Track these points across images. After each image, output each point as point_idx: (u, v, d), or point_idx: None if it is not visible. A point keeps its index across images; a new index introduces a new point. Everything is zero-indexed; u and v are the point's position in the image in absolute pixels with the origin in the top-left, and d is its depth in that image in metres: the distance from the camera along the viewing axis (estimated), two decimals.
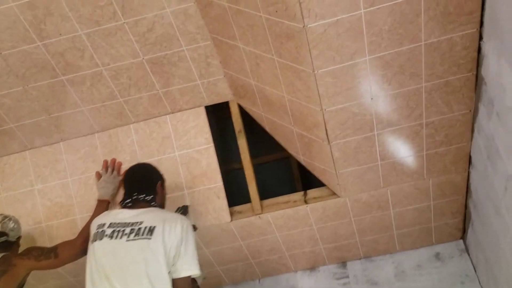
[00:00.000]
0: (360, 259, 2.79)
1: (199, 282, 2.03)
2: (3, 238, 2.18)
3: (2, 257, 2.04)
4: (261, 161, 3.12)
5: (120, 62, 2.24)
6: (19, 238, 2.31)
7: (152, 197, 2.03)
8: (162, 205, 2.11)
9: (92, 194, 2.47)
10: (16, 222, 2.31)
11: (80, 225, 2.38)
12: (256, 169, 2.80)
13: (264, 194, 2.58)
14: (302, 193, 2.48)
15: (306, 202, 2.43)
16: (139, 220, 1.88)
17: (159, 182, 2.13)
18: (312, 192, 2.47)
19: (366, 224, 2.54)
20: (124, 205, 2.01)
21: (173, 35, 2.15)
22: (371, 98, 1.93)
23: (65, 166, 2.58)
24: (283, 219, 2.50)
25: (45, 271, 2.33)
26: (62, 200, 2.57)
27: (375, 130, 2.05)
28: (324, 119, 1.99)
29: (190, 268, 1.82)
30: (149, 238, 1.78)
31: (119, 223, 1.88)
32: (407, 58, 1.80)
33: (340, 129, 2.03)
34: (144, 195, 2.01)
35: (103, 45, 2.16)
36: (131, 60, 2.23)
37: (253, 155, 2.90)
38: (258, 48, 1.97)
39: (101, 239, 1.83)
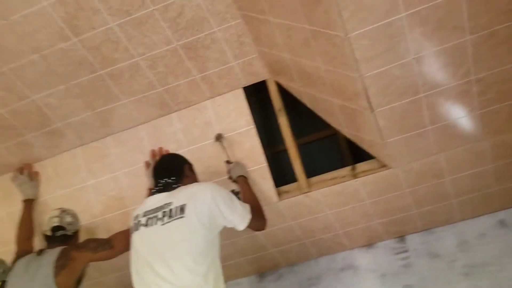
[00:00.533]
0: (419, 231, 2.66)
1: None
2: (60, 232, 2.26)
3: (61, 251, 2.11)
4: (308, 140, 3.04)
5: (155, 51, 2.24)
6: (77, 232, 2.38)
7: (178, 179, 2.02)
8: None
9: (143, 185, 2.51)
10: (74, 216, 2.38)
11: None
12: (304, 149, 2.75)
13: (315, 174, 2.51)
14: (350, 167, 2.39)
15: (355, 176, 2.35)
16: (168, 201, 1.87)
17: (186, 166, 2.12)
18: (360, 166, 2.38)
19: (422, 194, 2.41)
20: (153, 193, 2.02)
21: (203, 17, 2.12)
22: (412, 58, 1.81)
23: (114, 160, 2.63)
24: (333, 196, 2.42)
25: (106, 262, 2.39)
26: (115, 193, 2.63)
27: (421, 92, 1.93)
28: (364, 86, 1.89)
29: (244, 221, 1.87)
30: (183, 217, 1.77)
31: (151, 209, 1.89)
32: (446, 10, 1.66)
33: (382, 95, 1.93)
34: (169, 178, 2.00)
35: (136, 35, 2.16)
36: (165, 47, 2.22)
37: (299, 135, 2.85)
38: (288, 18, 1.90)
39: (137, 229, 1.85)
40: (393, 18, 1.68)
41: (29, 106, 2.41)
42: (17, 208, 2.67)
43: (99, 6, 2.03)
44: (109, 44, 2.19)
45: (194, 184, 1.95)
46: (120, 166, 2.61)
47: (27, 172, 2.68)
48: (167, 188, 1.98)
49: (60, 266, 2.04)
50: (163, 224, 1.78)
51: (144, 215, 1.88)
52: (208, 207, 1.79)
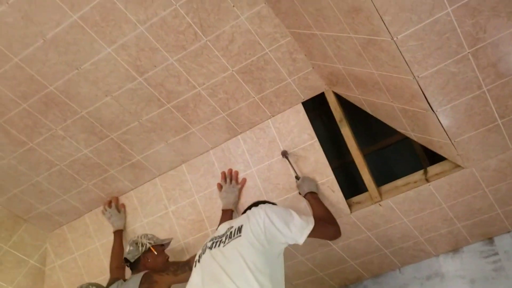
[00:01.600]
0: (508, 232, 2.48)
1: None
2: (127, 263, 2.42)
3: (143, 275, 2.25)
4: (378, 147, 2.97)
5: (213, 79, 2.35)
6: (139, 257, 2.41)
7: None
8: None
9: (218, 207, 2.61)
10: (133, 243, 2.46)
11: None
12: (376, 156, 2.69)
13: (391, 179, 2.44)
14: (421, 171, 2.30)
15: (427, 180, 2.25)
16: (230, 226, 1.98)
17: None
18: (432, 169, 2.28)
19: (504, 192, 2.25)
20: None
21: (254, 40, 2.19)
22: (468, 52, 1.72)
23: (190, 186, 2.76)
24: (407, 203, 2.34)
25: None
26: (194, 217, 2.75)
27: (484, 86, 1.82)
28: (420, 87, 1.83)
29: (302, 233, 1.88)
30: (240, 236, 1.83)
31: (217, 236, 2.00)
32: None
33: (441, 94, 1.85)
34: None
35: (194, 67, 2.28)
36: (222, 74, 2.32)
37: (368, 142, 2.80)
38: (333, 30, 1.90)
39: (204, 252, 1.94)
40: (439, 15, 1.62)
41: (109, 144, 2.62)
42: (109, 239, 2.90)
43: (157, 45, 2.18)
44: (171, 79, 2.33)
45: (252, 208, 2.01)
46: (196, 191, 2.74)
47: (114, 205, 2.90)
48: None
49: None
50: (224, 245, 1.86)
51: (211, 240, 1.98)
52: (263, 223, 1.85)
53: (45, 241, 3.15)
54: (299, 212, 1.95)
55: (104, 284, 2.52)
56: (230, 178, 2.58)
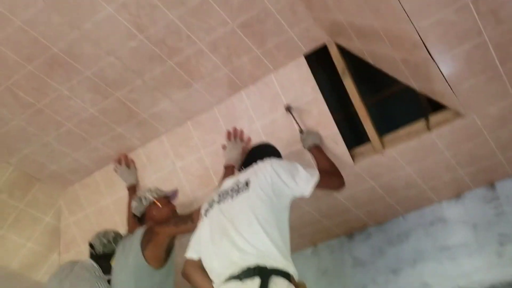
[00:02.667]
0: (510, 177, 2.52)
1: None
2: (136, 218, 2.53)
3: (146, 228, 2.35)
4: (382, 96, 2.97)
5: (214, 34, 2.34)
6: (144, 212, 2.51)
7: None
8: None
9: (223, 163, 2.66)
10: (137, 200, 2.54)
11: None
12: (379, 107, 2.70)
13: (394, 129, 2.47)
14: (423, 120, 2.32)
15: (429, 129, 2.28)
16: (237, 180, 2.00)
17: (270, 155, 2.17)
18: (434, 118, 2.30)
19: (506, 138, 2.28)
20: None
21: None
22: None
23: (196, 142, 2.81)
24: (409, 152, 2.38)
25: None
26: (201, 172, 2.82)
27: (484, 33, 1.81)
28: (420, 36, 1.83)
29: (308, 185, 1.91)
30: (248, 190, 1.88)
31: (224, 190, 2.02)
32: None
33: (441, 42, 1.85)
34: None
35: (195, 22, 2.27)
36: (223, 29, 2.31)
37: (371, 93, 2.80)
38: None
39: (212, 207, 1.99)
40: None
41: (114, 103, 2.65)
42: (120, 195, 2.99)
43: (156, 2, 2.16)
44: (172, 35, 2.32)
45: (258, 162, 2.04)
46: (202, 147, 2.79)
47: (124, 162, 2.97)
48: None
49: (147, 240, 2.28)
50: (232, 200, 1.91)
51: (217, 195, 2.03)
52: (270, 177, 1.88)
53: (58, 199, 3.26)
54: (304, 165, 1.99)
55: None
56: (234, 135, 2.62)
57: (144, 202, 2.49)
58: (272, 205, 1.83)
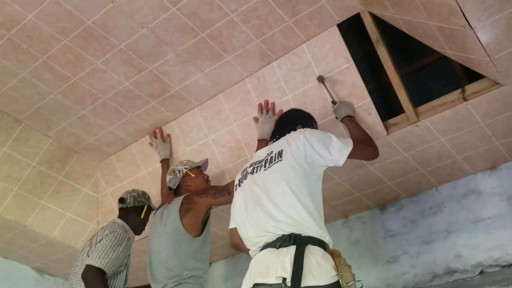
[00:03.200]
0: None
1: None
2: (171, 189, 2.61)
3: (185, 197, 2.42)
4: (417, 66, 2.91)
5: (246, 5, 2.33)
6: (180, 182, 2.60)
7: None
8: None
9: (255, 134, 2.68)
10: (174, 170, 2.63)
11: None
12: (414, 77, 2.65)
13: (428, 100, 2.42)
14: (459, 90, 2.27)
15: (465, 99, 2.23)
16: (270, 150, 2.00)
17: (303, 125, 2.15)
18: (470, 88, 2.25)
19: None
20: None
21: None
22: None
23: (228, 115, 2.84)
24: (444, 123, 2.34)
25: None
26: (233, 144, 2.85)
27: None
28: (458, 3, 1.78)
29: (342, 155, 1.91)
30: (281, 160, 1.88)
31: (257, 161, 2.03)
32: None
33: (480, 9, 1.79)
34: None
35: None
36: None
37: (405, 62, 2.75)
38: None
39: (246, 178, 2.01)
40: None
41: (148, 76, 2.69)
42: (155, 167, 3.06)
43: None
44: (204, 7, 2.33)
45: (291, 132, 2.05)
46: (234, 119, 2.81)
47: (159, 135, 3.03)
48: None
49: (185, 209, 2.35)
50: (265, 170, 1.93)
51: (251, 166, 2.04)
52: (303, 147, 1.88)
53: (96, 170, 3.37)
54: (337, 135, 1.99)
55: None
56: (266, 109, 2.63)
57: (178, 175, 2.57)
58: (305, 174, 1.84)
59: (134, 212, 2.67)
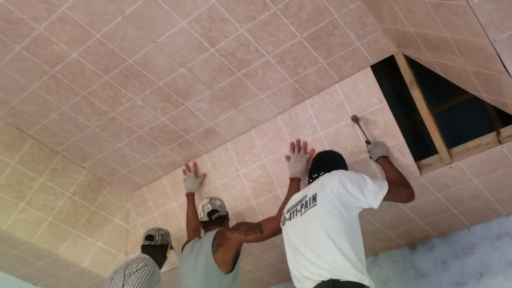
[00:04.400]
0: None
1: None
2: (216, 214, 2.59)
3: (217, 232, 2.44)
4: (448, 106, 2.92)
5: (282, 47, 2.40)
6: (227, 213, 2.71)
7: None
8: None
9: (286, 170, 2.71)
10: (221, 200, 2.70)
11: (282, 198, 2.64)
12: (445, 116, 2.66)
13: (460, 140, 2.44)
14: (494, 133, 2.28)
15: (500, 142, 2.23)
16: (304, 194, 2.03)
17: (337, 167, 2.19)
18: (506, 130, 2.25)
19: None
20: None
21: (322, 6, 2.21)
22: None
23: (259, 150, 2.88)
24: (478, 165, 2.34)
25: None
26: (263, 179, 2.88)
27: None
28: (496, 51, 1.81)
29: (377, 198, 1.92)
30: (316, 204, 1.91)
31: (293, 205, 2.07)
32: None
33: None
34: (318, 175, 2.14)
35: (264, 36, 2.34)
36: (291, 42, 2.37)
37: (436, 103, 2.76)
38: None
39: (284, 224, 2.05)
40: None
41: (184, 112, 2.77)
42: (185, 199, 3.10)
43: (228, 17, 2.25)
44: (242, 48, 2.41)
45: (325, 174, 2.07)
46: (265, 154, 2.86)
47: (193, 170, 3.08)
48: None
49: (217, 245, 2.37)
50: (301, 215, 1.95)
51: (288, 211, 2.08)
52: (337, 191, 1.90)
53: (127, 201, 3.43)
54: (371, 177, 2.01)
55: (181, 242, 2.78)
56: (298, 147, 2.66)
57: (226, 209, 2.67)
58: (342, 217, 1.86)
59: (161, 250, 2.73)
